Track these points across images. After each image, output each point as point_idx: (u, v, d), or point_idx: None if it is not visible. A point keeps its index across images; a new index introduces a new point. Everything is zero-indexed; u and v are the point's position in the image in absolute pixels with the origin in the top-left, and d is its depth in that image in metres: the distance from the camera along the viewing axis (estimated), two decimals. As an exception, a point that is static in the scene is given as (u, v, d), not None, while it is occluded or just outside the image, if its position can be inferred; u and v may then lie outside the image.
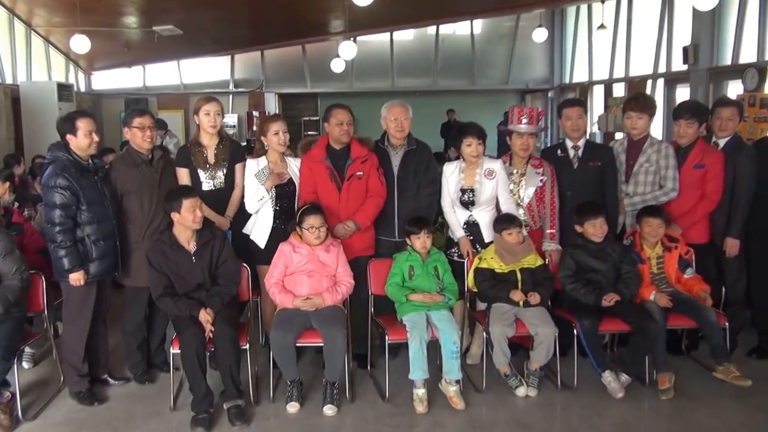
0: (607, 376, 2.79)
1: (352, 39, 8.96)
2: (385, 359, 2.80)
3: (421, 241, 2.91)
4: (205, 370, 2.60)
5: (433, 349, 2.87)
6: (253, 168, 3.01)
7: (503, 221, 2.95)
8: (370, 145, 3.10)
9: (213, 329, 2.60)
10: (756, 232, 3.09)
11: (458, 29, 11.37)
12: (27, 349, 3.12)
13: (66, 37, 7.77)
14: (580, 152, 3.17)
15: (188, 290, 2.71)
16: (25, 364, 3.16)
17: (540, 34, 9.90)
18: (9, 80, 8.16)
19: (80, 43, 6.87)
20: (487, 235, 3.03)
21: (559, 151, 3.22)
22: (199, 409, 2.58)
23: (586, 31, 10.56)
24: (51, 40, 9.11)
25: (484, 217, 3.05)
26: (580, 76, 11.00)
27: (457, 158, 3.21)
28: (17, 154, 6.43)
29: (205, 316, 2.60)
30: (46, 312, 2.89)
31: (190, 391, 2.61)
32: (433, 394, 2.76)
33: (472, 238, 3.07)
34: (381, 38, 11.05)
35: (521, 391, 2.81)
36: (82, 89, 10.41)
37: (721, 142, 3.17)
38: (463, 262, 3.06)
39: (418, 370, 2.68)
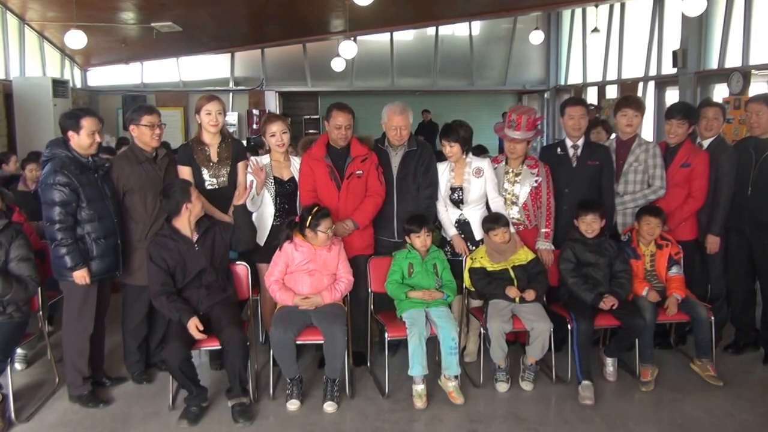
0: (585, 384, 2.78)
1: (352, 38, 8.94)
2: (385, 356, 2.82)
3: (421, 239, 2.93)
4: (192, 378, 2.60)
5: (432, 345, 2.90)
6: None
7: (489, 221, 2.99)
8: (370, 143, 3.11)
9: (203, 337, 2.57)
10: (733, 230, 3.17)
11: (457, 30, 11.39)
12: (19, 350, 3.01)
13: (61, 32, 7.62)
14: (579, 151, 3.21)
15: (189, 279, 2.70)
16: (17, 366, 3.06)
17: (536, 37, 9.94)
18: (1, 75, 8.00)
19: (76, 39, 6.77)
20: (478, 233, 3.07)
21: (558, 150, 3.26)
22: (190, 403, 2.60)
23: (580, 35, 10.64)
24: (45, 34, 8.96)
25: (474, 215, 3.08)
26: (574, 77, 11.08)
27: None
28: (8, 151, 6.27)
29: (193, 326, 2.56)
30: (41, 312, 2.85)
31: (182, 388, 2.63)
32: (432, 389, 2.78)
33: (463, 236, 3.09)
34: (381, 38, 11.03)
35: (502, 387, 2.85)
36: (78, 85, 10.28)
37: (705, 143, 3.24)
38: (457, 260, 3.08)
39: (417, 366, 2.71)
